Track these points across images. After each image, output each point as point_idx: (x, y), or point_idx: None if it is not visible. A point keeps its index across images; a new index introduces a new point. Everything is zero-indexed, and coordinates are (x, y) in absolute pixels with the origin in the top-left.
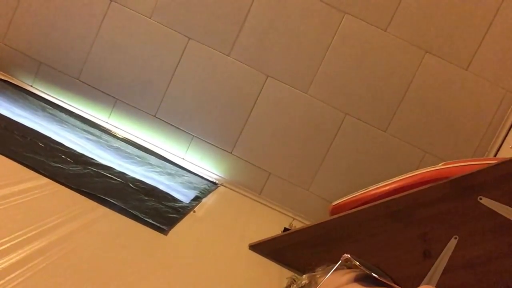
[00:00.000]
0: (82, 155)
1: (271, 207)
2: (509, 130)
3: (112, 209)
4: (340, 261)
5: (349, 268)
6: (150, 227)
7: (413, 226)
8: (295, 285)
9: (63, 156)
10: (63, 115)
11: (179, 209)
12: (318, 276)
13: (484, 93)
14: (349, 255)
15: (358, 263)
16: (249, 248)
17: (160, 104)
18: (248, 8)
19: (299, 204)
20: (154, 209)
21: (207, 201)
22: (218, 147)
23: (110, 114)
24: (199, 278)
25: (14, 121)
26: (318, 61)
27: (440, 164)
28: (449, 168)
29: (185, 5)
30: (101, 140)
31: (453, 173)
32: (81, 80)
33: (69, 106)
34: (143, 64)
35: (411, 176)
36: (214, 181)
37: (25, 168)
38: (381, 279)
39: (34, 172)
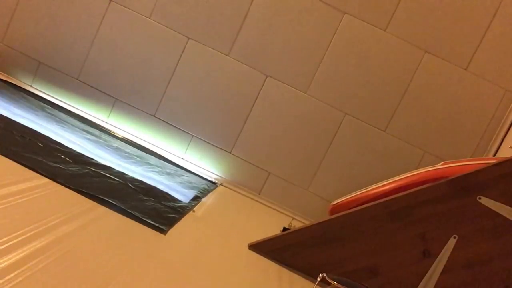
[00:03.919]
0: (81, 155)
1: (270, 207)
2: (508, 129)
3: (111, 209)
4: (317, 280)
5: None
6: (149, 227)
7: (413, 225)
8: None
9: (62, 156)
10: (63, 115)
11: (179, 209)
12: None
13: (484, 93)
14: (325, 274)
15: (334, 281)
16: (249, 248)
17: (159, 104)
18: (247, 8)
19: (299, 204)
20: (153, 209)
21: (206, 200)
22: (218, 147)
23: (109, 114)
24: (198, 277)
25: (13, 121)
26: (317, 61)
27: (440, 164)
28: (449, 168)
29: (184, 5)
30: (100, 140)
31: (453, 172)
32: (81, 80)
33: (69, 106)
34: (142, 64)
35: (410, 175)
36: (214, 180)
37: (24, 168)
38: None
39: (33, 172)
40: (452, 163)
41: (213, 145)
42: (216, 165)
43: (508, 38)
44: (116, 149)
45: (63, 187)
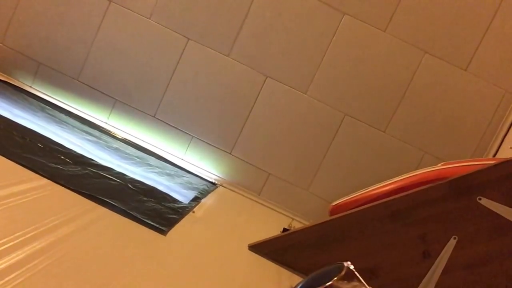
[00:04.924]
0: (82, 156)
1: (270, 208)
2: (508, 130)
3: (111, 210)
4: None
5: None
6: (150, 228)
7: (413, 226)
8: None
9: (62, 157)
10: (63, 116)
11: (178, 210)
12: None
13: (483, 94)
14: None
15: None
16: (249, 249)
17: (159, 104)
18: (247, 9)
19: (299, 205)
20: (153, 210)
21: (206, 201)
22: (217, 148)
23: (109, 115)
24: (198, 278)
25: (13, 121)
26: (317, 61)
27: (440, 165)
28: (449, 169)
29: (184, 6)
30: (100, 141)
31: (453, 173)
32: (81, 81)
33: (69, 107)
34: (142, 64)
35: (410, 176)
36: (213, 181)
37: (24, 169)
38: None
39: (33, 173)
40: (452, 163)
41: (213, 145)
42: (216, 166)
43: (508, 39)
44: (116, 150)
45: (63, 188)
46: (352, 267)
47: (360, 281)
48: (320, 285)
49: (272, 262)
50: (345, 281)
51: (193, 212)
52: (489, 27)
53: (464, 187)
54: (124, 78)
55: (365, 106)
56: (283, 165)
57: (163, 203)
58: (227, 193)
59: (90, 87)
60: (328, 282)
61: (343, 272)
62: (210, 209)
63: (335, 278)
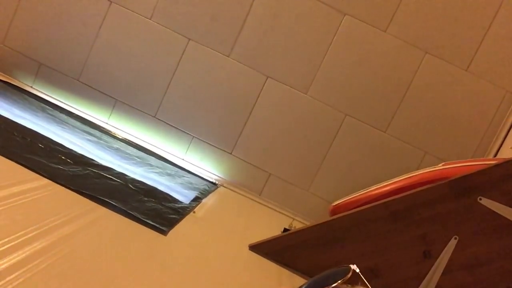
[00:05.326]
0: (82, 156)
1: (271, 208)
2: (509, 130)
3: (112, 210)
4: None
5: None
6: (150, 228)
7: (413, 226)
8: None
9: (63, 157)
10: (63, 116)
11: (179, 210)
12: None
13: (484, 94)
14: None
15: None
16: (249, 249)
17: (160, 104)
18: (248, 9)
19: (299, 205)
20: (153, 210)
21: (207, 201)
22: (218, 148)
23: (110, 115)
24: (199, 278)
25: (14, 122)
26: (318, 62)
27: (440, 165)
28: (449, 169)
29: (185, 6)
30: (101, 141)
31: (453, 173)
32: (81, 81)
33: (69, 107)
34: (143, 65)
35: (411, 176)
36: (214, 181)
37: (24, 169)
38: None
39: (34, 173)
40: (453, 164)
41: (214, 146)
42: (217, 166)
43: (509, 39)
44: (117, 150)
45: (63, 188)
46: (358, 270)
47: (365, 284)
48: (324, 287)
49: (273, 262)
50: (349, 285)
51: (194, 212)
52: (490, 27)
53: (464, 187)
54: (125, 78)
55: (365, 106)
56: (284, 165)
57: (163, 203)
58: (228, 193)
59: (91, 87)
60: (332, 284)
61: (349, 275)
62: (211, 209)
63: (339, 281)
